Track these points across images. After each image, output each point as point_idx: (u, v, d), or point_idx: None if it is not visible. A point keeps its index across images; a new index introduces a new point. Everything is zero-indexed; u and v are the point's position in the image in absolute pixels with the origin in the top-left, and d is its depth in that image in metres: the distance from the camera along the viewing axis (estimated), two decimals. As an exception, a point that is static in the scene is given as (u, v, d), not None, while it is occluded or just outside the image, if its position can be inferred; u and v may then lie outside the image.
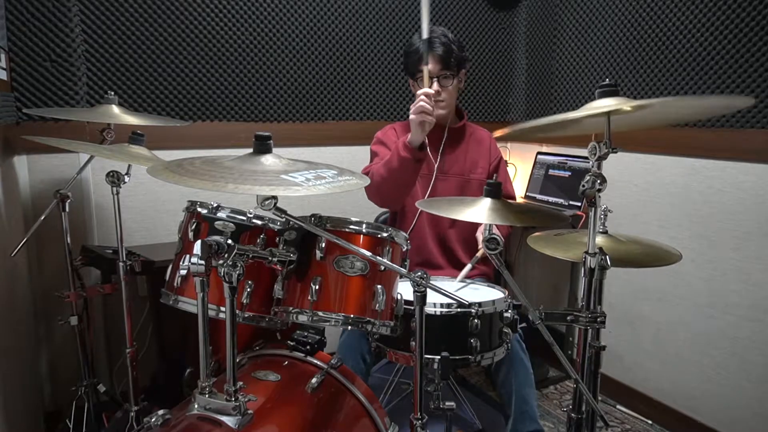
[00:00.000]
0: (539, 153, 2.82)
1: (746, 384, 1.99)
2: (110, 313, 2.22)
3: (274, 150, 1.13)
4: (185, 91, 2.30)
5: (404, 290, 1.33)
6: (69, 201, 1.70)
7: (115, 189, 1.64)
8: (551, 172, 2.73)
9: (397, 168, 1.76)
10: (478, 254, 1.71)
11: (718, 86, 2.01)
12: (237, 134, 2.38)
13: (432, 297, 1.17)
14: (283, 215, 1.05)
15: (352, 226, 1.27)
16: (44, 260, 2.10)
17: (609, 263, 1.15)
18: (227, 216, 1.32)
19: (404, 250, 1.34)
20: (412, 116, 1.73)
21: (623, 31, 2.36)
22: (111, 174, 1.63)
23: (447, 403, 1.35)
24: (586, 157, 1.16)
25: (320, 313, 1.23)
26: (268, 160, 1.10)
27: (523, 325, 1.46)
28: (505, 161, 2.29)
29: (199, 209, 1.35)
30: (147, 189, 2.27)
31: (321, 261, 1.23)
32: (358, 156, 2.52)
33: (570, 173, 2.64)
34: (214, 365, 1.39)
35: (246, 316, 1.30)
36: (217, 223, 1.31)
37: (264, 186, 1.01)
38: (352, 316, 1.24)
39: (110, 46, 2.15)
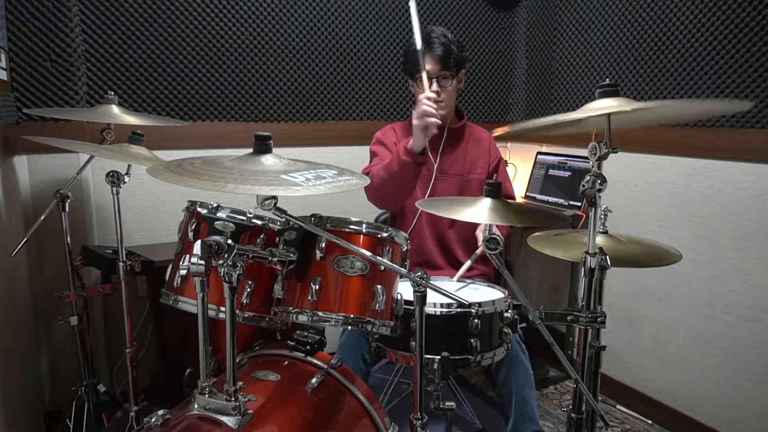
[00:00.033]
0: (539, 153, 2.82)
1: (746, 384, 1.99)
2: (110, 313, 2.22)
3: (274, 150, 1.13)
4: (185, 91, 2.30)
5: (404, 290, 1.33)
6: (69, 201, 1.70)
7: (115, 189, 1.64)
8: (551, 172, 2.73)
9: (398, 172, 1.75)
10: (478, 251, 1.71)
11: (718, 86, 2.01)
12: (237, 134, 2.38)
13: (432, 297, 1.17)
14: (283, 215, 1.05)
15: (352, 226, 1.27)
16: (44, 260, 2.10)
17: (609, 263, 1.15)
18: (227, 216, 1.32)
19: (404, 250, 1.34)
20: (415, 121, 1.71)
21: (623, 31, 2.36)
22: (111, 174, 1.62)
23: (447, 403, 1.35)
24: (586, 157, 1.16)
25: (320, 313, 1.23)
26: (268, 160, 1.10)
27: (523, 325, 1.46)
28: (505, 161, 2.29)
29: (199, 209, 1.34)
30: (147, 189, 2.27)
31: (321, 261, 1.23)
32: (358, 156, 2.52)
33: (570, 173, 2.64)
34: (214, 365, 1.39)
35: (246, 316, 1.30)
36: (217, 223, 1.31)
37: (264, 186, 1.01)
38: (352, 316, 1.24)
39: (110, 46, 2.15)
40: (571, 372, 1.14)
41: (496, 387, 1.81)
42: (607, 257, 1.15)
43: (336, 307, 1.23)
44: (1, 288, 1.70)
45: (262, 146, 1.11)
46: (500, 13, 2.96)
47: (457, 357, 1.35)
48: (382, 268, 1.25)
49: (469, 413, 2.17)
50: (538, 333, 1.14)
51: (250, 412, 1.04)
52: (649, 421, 2.34)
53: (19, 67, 1.97)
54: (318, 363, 1.36)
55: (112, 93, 1.74)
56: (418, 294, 1.12)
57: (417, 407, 1.18)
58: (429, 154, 1.92)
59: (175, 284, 1.33)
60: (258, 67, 2.42)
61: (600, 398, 1.55)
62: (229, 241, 0.99)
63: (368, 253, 1.16)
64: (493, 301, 1.40)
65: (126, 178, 1.65)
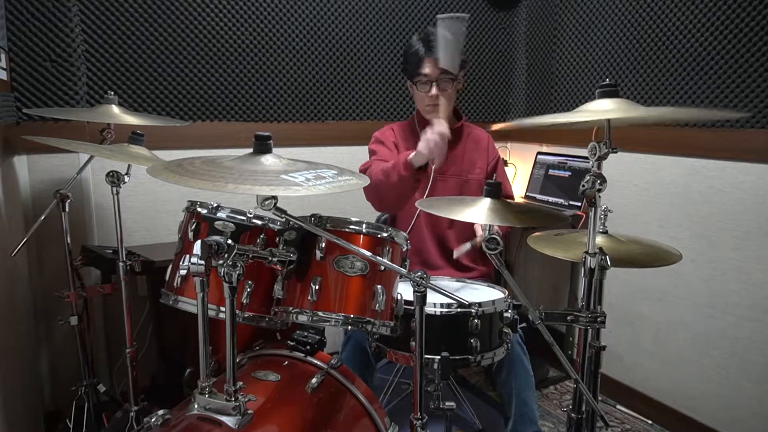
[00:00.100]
0: (539, 153, 2.82)
1: (746, 384, 1.99)
2: (110, 313, 2.22)
3: (274, 150, 1.13)
4: (185, 91, 2.30)
5: (404, 290, 1.33)
6: (69, 201, 1.70)
7: (115, 189, 1.64)
8: (551, 172, 2.73)
9: (396, 183, 1.75)
10: (477, 239, 1.72)
11: (718, 86, 2.01)
12: (237, 134, 2.38)
13: (432, 297, 1.17)
14: (283, 215, 1.05)
15: (352, 226, 1.27)
16: (44, 260, 2.10)
17: (609, 263, 1.15)
18: (227, 216, 1.32)
19: (404, 250, 1.34)
20: (424, 151, 1.67)
21: (623, 31, 2.36)
22: (111, 174, 1.62)
23: (447, 403, 1.35)
24: (586, 157, 1.16)
25: (320, 313, 1.23)
26: (268, 160, 1.10)
27: (523, 325, 1.46)
28: (503, 161, 2.29)
29: (199, 209, 1.35)
30: (147, 189, 2.27)
31: (321, 261, 1.23)
32: (358, 156, 2.51)
33: (570, 173, 2.64)
34: (214, 365, 1.39)
35: (246, 316, 1.30)
36: (217, 223, 1.31)
37: (264, 186, 1.01)
38: (352, 316, 1.24)
39: (110, 46, 2.15)
40: (571, 372, 1.14)
41: (496, 387, 1.81)
42: (607, 257, 1.15)
43: (336, 307, 1.23)
44: (1, 288, 1.70)
45: (262, 146, 1.11)
46: (500, 13, 2.96)
47: (457, 357, 1.35)
48: (382, 268, 1.25)
49: (469, 413, 2.17)
50: (538, 333, 1.14)
51: (250, 412, 1.04)
52: (649, 421, 2.34)
53: (19, 67, 1.97)
54: (318, 363, 1.36)
55: (112, 93, 1.74)
56: (418, 294, 1.12)
57: (417, 407, 1.18)
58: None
59: (175, 284, 1.33)
60: (258, 67, 2.42)
61: (600, 398, 1.55)
62: (229, 241, 0.99)
63: (368, 253, 1.16)
64: (493, 301, 1.40)
65: (126, 178, 1.65)
